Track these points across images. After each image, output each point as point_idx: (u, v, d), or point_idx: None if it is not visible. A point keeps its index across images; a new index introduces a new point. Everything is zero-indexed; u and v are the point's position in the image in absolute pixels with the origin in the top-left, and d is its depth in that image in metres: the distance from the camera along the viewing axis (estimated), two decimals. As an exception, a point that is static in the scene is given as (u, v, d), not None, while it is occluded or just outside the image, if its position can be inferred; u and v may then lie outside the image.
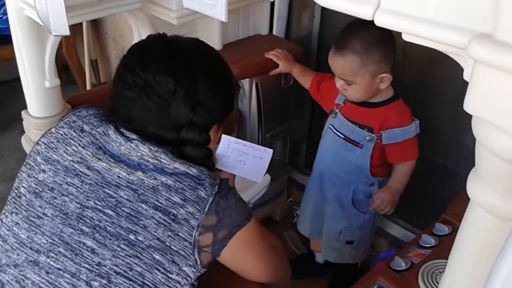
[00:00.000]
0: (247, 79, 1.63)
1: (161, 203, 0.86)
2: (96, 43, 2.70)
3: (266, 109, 1.69)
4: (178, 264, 0.87)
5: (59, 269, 0.86)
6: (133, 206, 0.86)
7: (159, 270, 0.86)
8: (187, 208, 0.86)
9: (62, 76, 2.61)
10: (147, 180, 0.87)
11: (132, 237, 0.86)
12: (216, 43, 1.62)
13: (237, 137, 1.75)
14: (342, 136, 1.47)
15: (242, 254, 0.96)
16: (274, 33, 1.83)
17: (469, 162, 1.66)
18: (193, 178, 0.88)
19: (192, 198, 0.86)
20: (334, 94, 1.50)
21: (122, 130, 0.91)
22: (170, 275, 0.86)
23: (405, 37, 0.58)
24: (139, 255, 0.85)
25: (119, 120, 0.93)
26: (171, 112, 0.90)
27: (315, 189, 1.62)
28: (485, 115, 0.49)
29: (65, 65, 2.69)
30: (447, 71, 1.63)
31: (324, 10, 1.83)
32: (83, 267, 0.85)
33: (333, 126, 1.50)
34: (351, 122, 1.44)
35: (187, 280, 0.88)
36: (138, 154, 0.89)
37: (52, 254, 0.87)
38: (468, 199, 1.27)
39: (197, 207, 0.86)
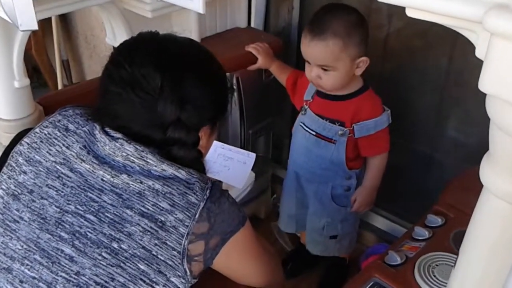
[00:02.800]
0: (227, 74, 1.57)
1: (148, 209, 0.80)
2: (67, 43, 2.61)
3: (248, 104, 1.64)
4: (166, 275, 0.81)
5: (34, 277, 0.80)
6: (117, 212, 0.81)
7: (144, 281, 0.80)
8: (176, 215, 0.80)
9: (33, 79, 2.50)
10: (132, 184, 0.81)
11: (115, 245, 0.80)
12: (193, 37, 1.56)
13: (219, 136, 1.70)
14: (314, 133, 1.43)
15: (236, 260, 0.91)
16: (252, 25, 1.78)
17: (453, 152, 1.65)
18: (182, 181, 0.82)
19: (182, 204, 0.81)
20: (303, 91, 1.47)
21: (107, 129, 0.86)
22: (157, 286, 0.80)
23: (409, 13, 0.53)
24: (122, 264, 0.79)
25: (106, 117, 0.87)
26: (158, 109, 0.84)
27: (293, 187, 1.59)
28: (502, 94, 0.45)
29: (35, 67, 2.59)
30: (429, 61, 1.61)
31: (303, 1, 1.79)
32: (60, 276, 0.79)
33: (303, 124, 1.46)
34: (321, 117, 1.41)
35: None
36: (123, 154, 0.83)
37: (27, 262, 0.80)
38: (460, 188, 1.26)
39: (187, 213, 0.80)
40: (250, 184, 1.51)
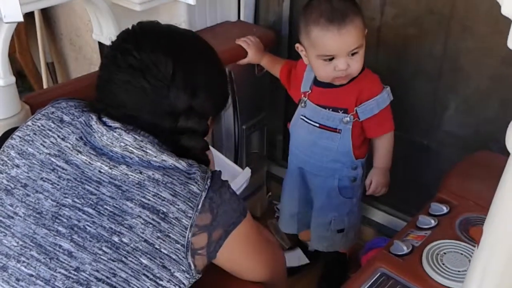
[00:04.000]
0: (221, 67, 1.53)
1: (149, 200, 0.77)
2: (51, 45, 2.55)
3: (241, 99, 1.61)
4: (170, 270, 0.77)
5: (31, 275, 0.75)
6: (116, 204, 0.77)
7: (147, 277, 0.76)
8: (178, 205, 0.77)
9: (18, 83, 2.44)
10: (132, 175, 0.78)
11: (115, 239, 0.76)
12: (183, 32, 1.52)
13: (212, 133, 1.67)
14: (317, 125, 1.39)
15: (240, 253, 0.88)
16: (242, 19, 1.74)
17: (450, 141, 1.63)
18: (182, 172, 0.80)
19: (183, 194, 0.78)
20: (299, 82, 1.43)
21: (104, 119, 0.82)
22: (160, 282, 0.77)
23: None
24: (124, 259, 0.76)
25: (108, 107, 0.84)
26: (170, 96, 0.81)
27: (296, 184, 1.54)
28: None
29: (20, 72, 2.53)
30: (423, 50, 1.58)
31: (293, -7, 1.76)
32: (59, 272, 0.75)
33: (304, 116, 1.41)
34: (323, 107, 1.37)
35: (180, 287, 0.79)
36: (122, 144, 0.80)
37: (23, 259, 0.76)
38: (462, 175, 1.24)
39: (190, 203, 0.78)
40: (246, 180, 1.48)
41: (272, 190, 2.05)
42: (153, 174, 0.78)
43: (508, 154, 0.53)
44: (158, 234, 0.76)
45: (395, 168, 1.64)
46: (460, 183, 1.18)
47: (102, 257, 0.75)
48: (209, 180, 0.80)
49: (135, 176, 0.78)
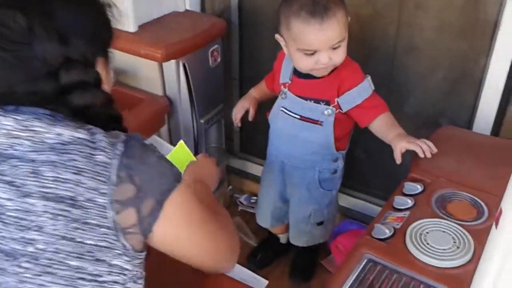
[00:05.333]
0: (173, 61, 1.46)
1: (50, 188, 0.65)
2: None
3: (197, 92, 1.54)
4: (105, 260, 0.68)
5: None
6: (18, 206, 0.65)
7: (84, 279, 0.66)
8: (85, 183, 0.65)
9: None
10: (23, 165, 0.65)
11: (30, 248, 0.65)
12: (130, 24, 1.43)
13: (169, 128, 1.59)
14: (298, 117, 1.33)
15: (178, 227, 0.75)
16: (188, 8, 1.67)
17: (409, 120, 1.64)
18: (84, 142, 0.67)
19: (89, 168, 0.66)
20: (278, 75, 1.37)
21: None
22: (101, 279, 0.68)
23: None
24: (49, 269, 0.65)
25: None
26: (37, 55, 0.67)
27: (275, 178, 1.49)
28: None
29: None
30: (377, 31, 1.58)
31: (241, -21, 1.70)
32: None
33: (285, 108, 1.35)
34: (304, 99, 1.31)
35: (125, 275, 0.70)
36: (3, 131, 0.66)
37: None
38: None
39: (100, 178, 0.66)
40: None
41: (232, 183, 2.00)
42: (47, 157, 0.65)
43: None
44: (74, 225, 0.65)
45: (354, 149, 1.63)
46: (430, 160, 1.18)
47: (25, 275, 0.65)
48: (121, 145, 0.69)
49: (27, 166, 0.65)
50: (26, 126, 0.67)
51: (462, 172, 1.16)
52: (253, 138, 1.97)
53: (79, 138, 0.67)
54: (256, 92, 1.50)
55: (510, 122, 1.42)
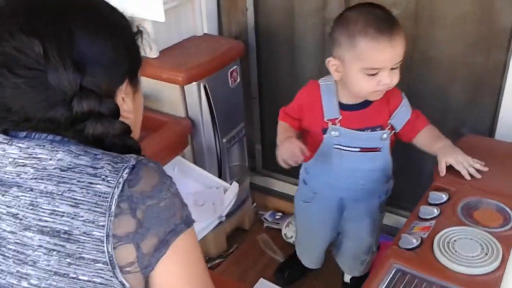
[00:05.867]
0: (194, 83, 1.50)
1: (46, 221, 0.62)
2: None
3: (218, 112, 1.57)
4: None
5: None
6: (17, 239, 0.64)
7: None
8: (83, 216, 0.62)
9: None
10: (23, 196, 0.63)
11: (24, 283, 0.63)
12: (153, 50, 1.48)
13: (192, 148, 1.63)
14: (358, 149, 1.27)
15: (181, 278, 0.69)
16: (206, 32, 1.71)
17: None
18: (85, 170, 0.64)
19: (87, 199, 0.62)
20: (316, 110, 1.27)
21: None
22: None
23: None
24: None
25: None
26: (52, 83, 0.64)
27: (332, 216, 1.42)
28: None
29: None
30: (308, 24, 1.63)
31: (256, 1, 1.74)
32: None
33: (340, 144, 1.27)
34: (361, 130, 1.25)
35: None
36: (10, 160, 0.65)
37: None
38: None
39: (98, 209, 0.62)
40: (234, 196, 1.45)
41: (256, 200, 2.02)
42: (45, 187, 0.63)
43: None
44: (68, 260, 0.62)
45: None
46: (453, 168, 1.19)
47: None
48: (126, 171, 0.63)
49: (26, 196, 0.63)
50: (29, 154, 0.65)
51: (486, 180, 1.16)
52: (275, 155, 1.99)
53: (80, 164, 0.64)
54: (288, 133, 1.31)
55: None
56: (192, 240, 0.69)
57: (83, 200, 0.62)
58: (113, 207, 0.62)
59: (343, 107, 1.25)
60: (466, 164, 1.15)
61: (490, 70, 1.45)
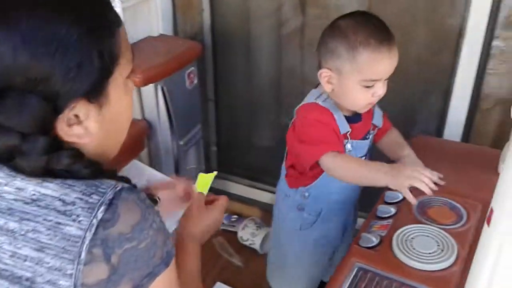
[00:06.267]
0: (151, 85, 1.48)
1: (6, 264, 0.55)
2: None
3: (176, 114, 1.56)
4: None
5: None
6: None
7: None
8: (48, 262, 0.54)
9: None
10: None
11: None
12: (107, 51, 1.45)
13: (149, 151, 1.60)
14: (365, 157, 1.25)
15: None
16: (161, 32, 1.69)
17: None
18: (52, 203, 0.55)
19: (53, 243, 0.54)
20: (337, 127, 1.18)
21: None
22: None
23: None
24: None
25: None
26: None
27: (337, 236, 1.37)
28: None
29: None
30: (264, 25, 1.65)
31: (213, 1, 1.74)
32: None
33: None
34: (364, 139, 1.24)
35: None
36: None
37: None
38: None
39: (65, 255, 0.54)
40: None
41: (213, 202, 2.01)
42: (5, 222, 0.55)
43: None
44: None
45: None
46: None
47: None
48: (100, 209, 0.54)
49: None
50: None
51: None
52: (231, 157, 2.00)
53: (45, 195, 0.55)
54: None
55: (478, 129, 1.49)
56: (170, 277, 0.62)
57: (49, 244, 0.54)
58: (83, 254, 0.53)
59: (349, 120, 1.19)
60: (426, 181, 1.05)
61: (440, 71, 1.51)
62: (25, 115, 0.55)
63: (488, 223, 0.54)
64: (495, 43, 1.38)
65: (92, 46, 0.58)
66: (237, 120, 1.91)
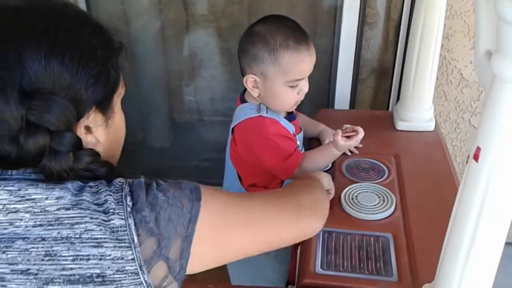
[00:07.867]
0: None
1: (71, 269, 0.58)
2: None
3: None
4: None
5: None
6: None
7: None
8: (109, 255, 0.59)
9: None
10: (33, 248, 0.58)
11: None
12: None
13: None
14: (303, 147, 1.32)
15: (219, 242, 0.68)
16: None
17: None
18: (90, 205, 0.60)
19: (107, 236, 0.59)
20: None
21: None
22: None
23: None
24: None
25: None
26: None
27: None
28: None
29: None
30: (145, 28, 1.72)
31: (89, 5, 1.66)
32: None
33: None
34: (301, 131, 1.31)
35: None
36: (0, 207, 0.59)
37: None
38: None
39: (123, 244, 0.59)
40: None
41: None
42: (58, 233, 0.58)
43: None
44: None
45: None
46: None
47: None
48: (129, 199, 0.61)
49: (38, 247, 0.58)
50: (22, 196, 0.59)
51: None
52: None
53: (84, 200, 0.60)
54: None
55: (361, 100, 1.70)
56: (210, 204, 0.67)
57: (104, 238, 0.59)
58: (135, 239, 0.60)
59: (288, 118, 1.25)
60: (347, 145, 1.20)
61: (321, 52, 1.68)
62: (54, 112, 0.60)
63: (476, 160, 0.64)
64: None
65: (108, 57, 0.67)
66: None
